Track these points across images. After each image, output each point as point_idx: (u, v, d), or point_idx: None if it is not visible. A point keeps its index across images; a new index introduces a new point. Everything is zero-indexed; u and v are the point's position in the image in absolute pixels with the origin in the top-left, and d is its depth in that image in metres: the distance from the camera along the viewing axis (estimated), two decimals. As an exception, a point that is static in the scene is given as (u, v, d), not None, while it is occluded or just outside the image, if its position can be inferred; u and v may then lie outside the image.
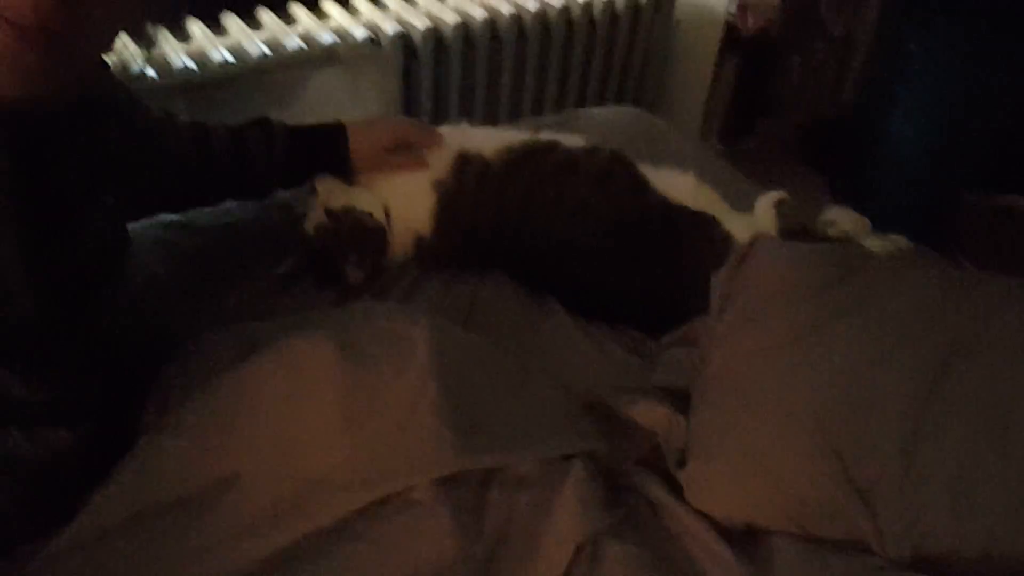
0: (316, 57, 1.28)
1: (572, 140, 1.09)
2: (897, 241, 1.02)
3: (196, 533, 0.69)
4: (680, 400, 0.84)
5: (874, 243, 1.00)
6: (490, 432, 0.74)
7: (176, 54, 1.36)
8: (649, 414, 0.82)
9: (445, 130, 1.15)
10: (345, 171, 1.06)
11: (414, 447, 0.71)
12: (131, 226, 1.12)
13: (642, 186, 1.02)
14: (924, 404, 0.74)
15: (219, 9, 1.54)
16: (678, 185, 1.03)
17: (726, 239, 0.98)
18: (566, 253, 1.02)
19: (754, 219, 1.02)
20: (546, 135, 1.11)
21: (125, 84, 0.88)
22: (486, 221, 1.03)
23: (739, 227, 1.00)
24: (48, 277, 0.68)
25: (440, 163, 1.06)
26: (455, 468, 0.71)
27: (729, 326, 0.86)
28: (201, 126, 1.00)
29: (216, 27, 1.50)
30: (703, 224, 1.00)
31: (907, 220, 1.13)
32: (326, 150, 1.06)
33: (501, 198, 1.03)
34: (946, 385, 0.74)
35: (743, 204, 1.08)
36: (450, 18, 1.64)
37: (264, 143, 1.02)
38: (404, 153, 1.07)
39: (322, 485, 0.70)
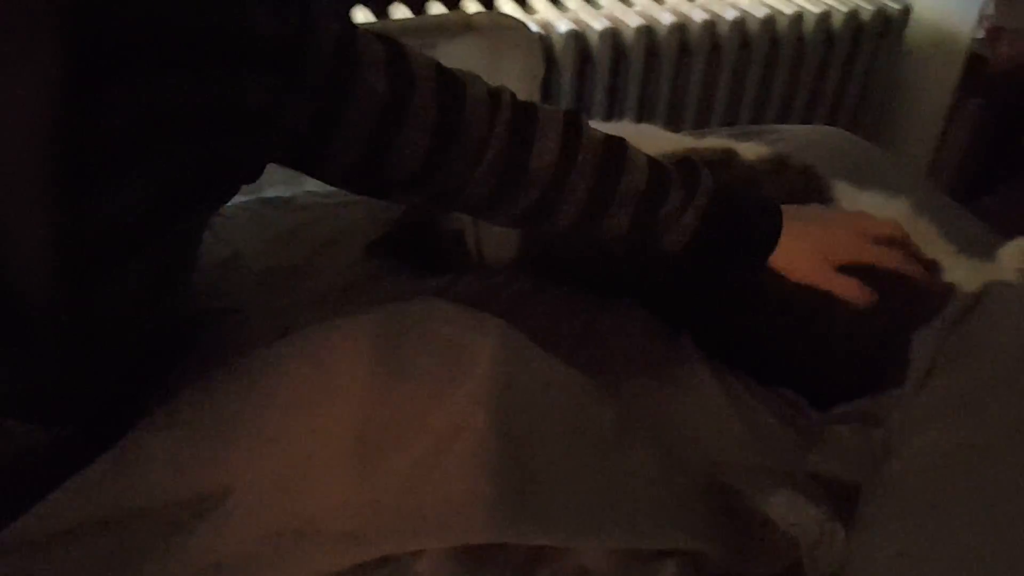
0: (452, 24, 1.14)
1: (752, 150, 0.86)
2: None
3: (158, 556, 0.54)
4: (842, 499, 0.59)
5: None
6: (550, 499, 0.52)
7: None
8: (793, 513, 0.57)
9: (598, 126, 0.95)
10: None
11: (436, 496, 0.51)
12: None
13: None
14: None
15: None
16: (885, 212, 0.77)
17: (944, 290, 0.70)
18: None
19: (992, 267, 0.74)
20: (720, 141, 0.89)
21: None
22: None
23: (966, 275, 0.72)
24: (71, 243, 0.53)
25: None
26: (486, 538, 0.49)
27: (933, 407, 0.59)
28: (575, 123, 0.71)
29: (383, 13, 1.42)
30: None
31: None
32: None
33: None
34: None
35: (975, 253, 0.80)
36: (633, 22, 1.47)
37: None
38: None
39: (308, 530, 0.52)
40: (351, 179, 0.69)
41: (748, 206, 0.74)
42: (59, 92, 0.48)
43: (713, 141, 0.90)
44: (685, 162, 0.74)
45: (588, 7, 1.52)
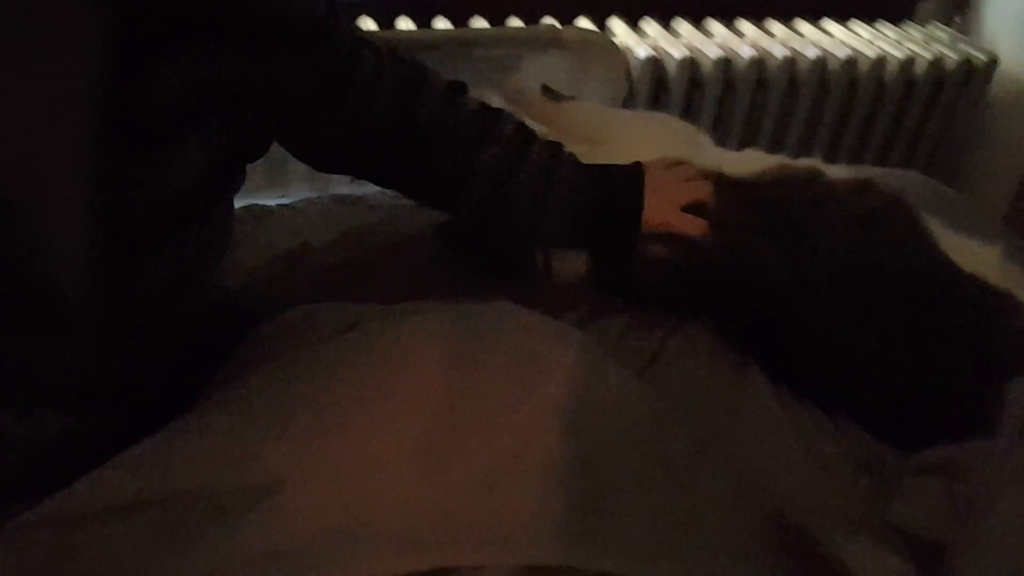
0: (538, 38, 1.14)
1: (839, 171, 0.83)
2: None
3: (207, 542, 0.52)
4: (924, 554, 0.55)
5: None
6: (619, 523, 0.50)
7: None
8: (873, 563, 0.54)
9: None
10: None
11: (503, 510, 0.49)
12: (299, 198, 1.03)
13: (922, 239, 0.74)
14: None
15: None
16: (977, 253, 0.73)
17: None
18: (794, 302, 0.75)
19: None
20: (811, 161, 0.87)
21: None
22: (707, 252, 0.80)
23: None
24: (110, 224, 0.54)
25: None
26: (552, 560, 0.47)
27: (1029, 463, 0.56)
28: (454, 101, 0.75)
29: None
30: (1004, 307, 0.69)
31: None
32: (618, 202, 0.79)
33: (729, 228, 0.79)
34: None
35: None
36: (712, 53, 1.45)
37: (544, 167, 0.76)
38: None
39: (366, 531, 0.50)
40: (332, 154, 0.75)
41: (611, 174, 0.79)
42: (104, 67, 0.50)
43: (804, 161, 0.88)
44: (550, 144, 0.77)
45: (668, 35, 1.51)
